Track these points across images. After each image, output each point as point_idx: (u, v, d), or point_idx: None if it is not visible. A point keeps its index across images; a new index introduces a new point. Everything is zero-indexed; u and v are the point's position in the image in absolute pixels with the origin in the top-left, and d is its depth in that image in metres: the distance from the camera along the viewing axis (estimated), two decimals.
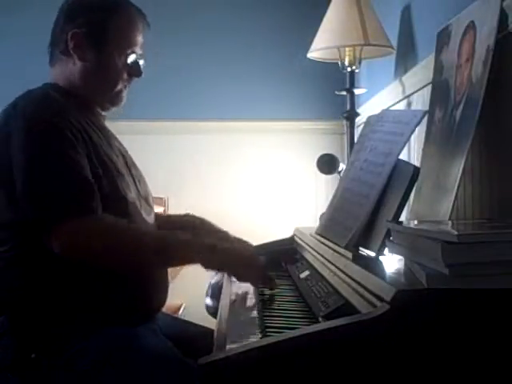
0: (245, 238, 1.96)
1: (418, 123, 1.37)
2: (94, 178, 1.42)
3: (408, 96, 2.19)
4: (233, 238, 1.74)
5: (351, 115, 2.56)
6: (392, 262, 1.21)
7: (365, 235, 1.32)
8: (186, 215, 1.86)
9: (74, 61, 1.54)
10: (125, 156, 1.62)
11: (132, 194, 1.52)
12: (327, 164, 2.27)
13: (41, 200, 1.36)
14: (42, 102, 1.45)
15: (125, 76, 1.59)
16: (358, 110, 2.59)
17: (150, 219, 1.59)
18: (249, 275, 1.46)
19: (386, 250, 1.24)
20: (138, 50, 1.61)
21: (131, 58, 1.58)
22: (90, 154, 1.43)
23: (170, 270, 1.71)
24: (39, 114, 1.42)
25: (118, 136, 1.74)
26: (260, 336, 1.16)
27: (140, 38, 1.61)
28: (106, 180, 1.45)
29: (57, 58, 1.58)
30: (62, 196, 1.36)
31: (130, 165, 1.62)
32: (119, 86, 1.59)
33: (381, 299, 0.95)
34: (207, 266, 1.43)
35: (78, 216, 1.35)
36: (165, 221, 1.77)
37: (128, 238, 1.41)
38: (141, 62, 1.62)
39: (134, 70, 1.60)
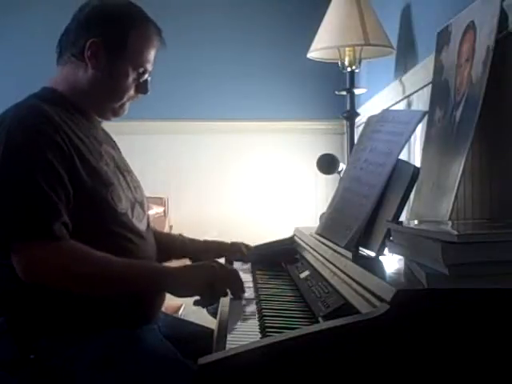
0: (245, 238, 1.96)
1: (418, 123, 1.37)
2: (82, 191, 1.42)
3: (408, 96, 2.19)
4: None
5: (351, 115, 2.56)
6: (392, 262, 1.21)
7: (365, 235, 1.32)
8: (179, 235, 1.88)
9: (87, 68, 1.54)
10: (117, 163, 1.61)
11: (123, 204, 1.51)
12: (327, 164, 2.27)
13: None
14: (27, 118, 1.44)
15: (132, 92, 1.59)
16: (358, 110, 2.59)
17: (143, 225, 1.58)
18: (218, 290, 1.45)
19: (386, 250, 1.24)
20: (149, 67, 1.61)
21: (142, 76, 1.59)
22: (76, 167, 1.43)
23: None
24: (21, 132, 1.41)
25: (118, 136, 1.74)
26: (260, 336, 1.16)
27: (153, 56, 1.61)
28: (95, 192, 1.45)
29: (67, 60, 1.57)
30: (19, 219, 1.35)
31: (123, 171, 1.61)
32: (124, 100, 1.60)
33: (381, 299, 0.95)
34: (173, 293, 1.44)
35: (34, 239, 1.34)
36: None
37: (89, 265, 1.38)
38: (148, 79, 1.62)
39: (142, 88, 1.60)
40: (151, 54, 1.60)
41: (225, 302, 1.48)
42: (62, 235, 1.37)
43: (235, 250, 1.88)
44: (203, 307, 1.52)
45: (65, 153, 1.42)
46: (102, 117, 1.64)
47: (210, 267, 1.44)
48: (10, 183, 1.38)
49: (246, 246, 1.90)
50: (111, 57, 1.54)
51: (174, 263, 1.77)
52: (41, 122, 1.43)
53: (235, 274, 1.48)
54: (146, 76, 1.60)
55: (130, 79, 1.57)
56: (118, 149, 1.74)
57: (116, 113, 1.63)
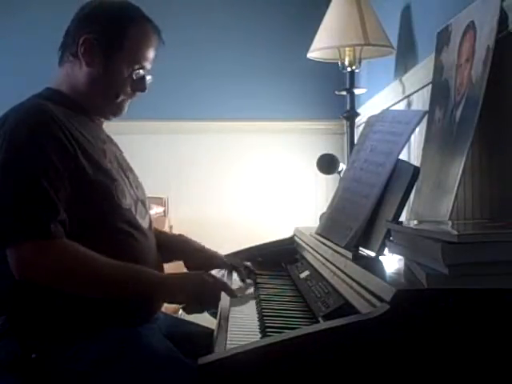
0: (245, 238, 1.96)
1: (418, 123, 1.37)
2: (87, 186, 1.43)
3: (408, 96, 2.19)
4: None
5: (351, 115, 2.56)
6: (392, 262, 1.21)
7: (365, 235, 1.32)
8: (180, 235, 1.85)
9: (81, 65, 1.55)
10: (120, 161, 1.61)
11: (127, 200, 1.51)
12: (327, 164, 2.27)
13: None
14: (31, 116, 1.44)
15: (128, 89, 1.59)
16: (358, 110, 2.59)
17: (145, 223, 1.59)
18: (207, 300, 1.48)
19: (386, 250, 1.24)
20: (148, 66, 1.60)
21: (138, 73, 1.58)
22: (80, 163, 1.43)
23: (170, 269, 1.71)
24: (24, 129, 1.41)
25: (117, 136, 1.74)
26: (260, 336, 1.16)
27: (151, 54, 1.60)
28: (101, 187, 1.45)
29: (66, 60, 1.58)
30: (18, 217, 1.35)
31: (125, 169, 1.62)
32: (120, 98, 1.59)
33: (381, 299, 0.95)
34: (160, 299, 1.49)
35: (32, 238, 1.34)
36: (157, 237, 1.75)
37: (80, 264, 1.38)
38: (148, 78, 1.61)
39: (139, 86, 1.60)
40: (149, 52, 1.59)
41: (225, 302, 1.48)
42: (58, 234, 1.37)
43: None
44: (187, 314, 1.55)
45: (68, 149, 1.42)
46: (101, 116, 1.63)
47: (200, 279, 1.48)
48: (12, 180, 1.38)
49: (247, 268, 1.80)
50: (106, 53, 1.54)
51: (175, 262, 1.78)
52: (44, 119, 1.44)
53: (224, 287, 1.49)
54: (142, 73, 1.58)
55: (125, 76, 1.56)
56: (120, 149, 1.74)
57: (114, 112, 1.62)
